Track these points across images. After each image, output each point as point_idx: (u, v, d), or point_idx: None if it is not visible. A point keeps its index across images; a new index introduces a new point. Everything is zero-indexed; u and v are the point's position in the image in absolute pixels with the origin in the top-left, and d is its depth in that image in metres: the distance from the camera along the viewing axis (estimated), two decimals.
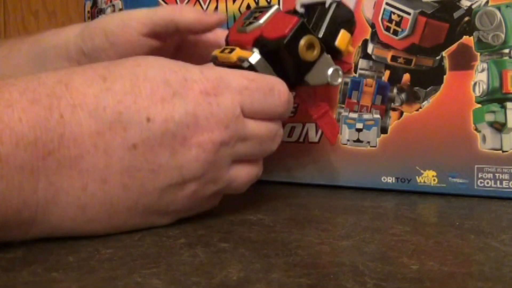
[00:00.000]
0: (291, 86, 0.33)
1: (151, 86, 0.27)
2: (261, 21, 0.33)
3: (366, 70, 0.40)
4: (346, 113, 0.41)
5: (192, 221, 0.31)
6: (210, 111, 0.28)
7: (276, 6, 0.34)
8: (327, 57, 0.34)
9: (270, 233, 0.28)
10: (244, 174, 0.31)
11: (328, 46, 0.35)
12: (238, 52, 0.33)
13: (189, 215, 0.30)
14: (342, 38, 0.36)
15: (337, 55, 0.36)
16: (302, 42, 0.33)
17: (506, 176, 0.36)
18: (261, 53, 0.33)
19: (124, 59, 0.29)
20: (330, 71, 0.34)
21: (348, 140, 0.41)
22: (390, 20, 0.39)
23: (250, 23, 0.34)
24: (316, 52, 0.33)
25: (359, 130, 0.40)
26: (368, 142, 0.40)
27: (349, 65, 0.39)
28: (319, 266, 0.23)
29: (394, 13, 0.39)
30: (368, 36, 0.40)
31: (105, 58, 0.37)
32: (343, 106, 0.41)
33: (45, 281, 0.21)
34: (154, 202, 0.28)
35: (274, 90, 0.31)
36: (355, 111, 0.41)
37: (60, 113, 0.25)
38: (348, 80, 0.40)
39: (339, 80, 0.35)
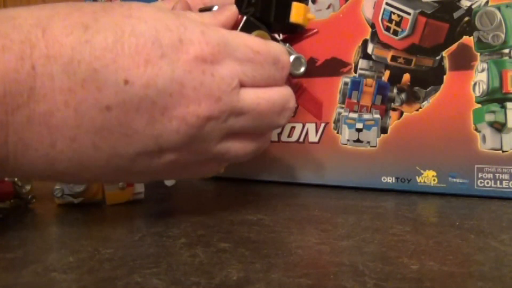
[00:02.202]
0: None
1: (137, 43, 0.25)
2: None
3: (366, 70, 0.40)
4: (346, 113, 0.41)
5: (192, 221, 0.31)
6: (201, 81, 0.26)
7: (216, 7, 0.32)
8: (286, 47, 0.32)
9: (270, 233, 0.28)
10: (238, 148, 0.29)
11: (284, 24, 0.33)
12: None
13: (178, 178, 0.29)
14: (296, 12, 0.33)
15: (297, 29, 0.34)
16: None
17: (506, 176, 0.36)
18: None
19: (118, 4, 0.26)
20: (291, 59, 0.32)
21: (348, 140, 0.41)
22: (390, 20, 0.39)
23: None
24: None
25: (359, 130, 0.40)
26: (368, 142, 0.40)
27: (315, 31, 0.36)
28: (319, 266, 0.23)
29: (394, 13, 0.39)
30: (368, 36, 0.40)
31: None
32: (343, 106, 0.41)
33: (45, 281, 0.21)
34: (127, 165, 0.26)
35: (279, 63, 0.29)
36: (355, 111, 0.41)
37: (32, 64, 0.23)
38: (348, 80, 0.40)
39: (302, 69, 0.32)
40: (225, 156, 0.29)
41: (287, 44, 0.33)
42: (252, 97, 0.28)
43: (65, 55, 0.24)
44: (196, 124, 0.26)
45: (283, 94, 0.29)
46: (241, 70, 0.27)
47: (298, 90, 0.35)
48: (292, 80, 0.35)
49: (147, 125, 0.25)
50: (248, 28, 0.31)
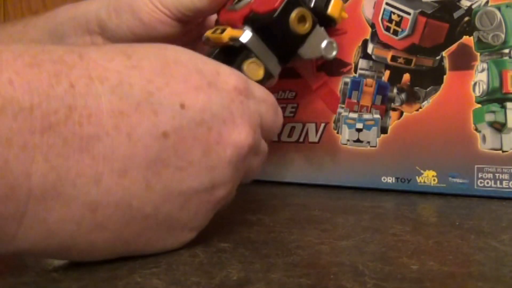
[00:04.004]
0: (285, 61, 0.33)
1: (184, 71, 0.23)
2: None
3: (366, 70, 0.40)
4: (346, 113, 0.41)
5: None
6: (243, 111, 0.25)
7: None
8: (320, 30, 0.34)
9: (270, 233, 0.28)
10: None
11: (321, 15, 0.34)
12: (229, 32, 0.32)
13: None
14: (334, 6, 0.34)
15: (330, 23, 0.35)
16: (293, 14, 0.32)
17: (506, 176, 0.36)
18: (252, 30, 0.32)
19: (146, 43, 0.25)
20: (324, 44, 0.34)
21: (348, 140, 0.41)
22: (390, 20, 0.39)
23: (240, 0, 0.33)
24: (308, 25, 0.33)
25: (359, 130, 0.40)
26: (368, 142, 0.40)
27: (344, 32, 0.38)
28: (319, 266, 0.23)
29: (394, 13, 0.39)
30: (368, 36, 0.40)
31: (130, 35, 0.36)
32: (343, 106, 0.41)
33: (45, 281, 0.21)
34: (176, 212, 0.23)
35: (278, 110, 0.29)
36: (355, 111, 0.41)
37: (71, 82, 0.20)
38: (348, 80, 0.40)
39: (334, 53, 0.34)
40: (230, 196, 0.28)
41: (322, 28, 0.34)
42: (263, 141, 0.28)
43: (112, 78, 0.21)
44: (244, 153, 0.25)
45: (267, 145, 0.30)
46: (260, 108, 0.27)
47: (320, 81, 0.37)
48: (316, 73, 0.36)
49: (203, 155, 0.23)
50: (291, 4, 0.32)
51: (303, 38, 0.33)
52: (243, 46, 0.32)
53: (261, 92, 0.28)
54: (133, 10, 0.36)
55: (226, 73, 0.25)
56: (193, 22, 0.37)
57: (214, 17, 0.38)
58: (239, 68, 0.31)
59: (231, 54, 0.32)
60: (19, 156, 0.18)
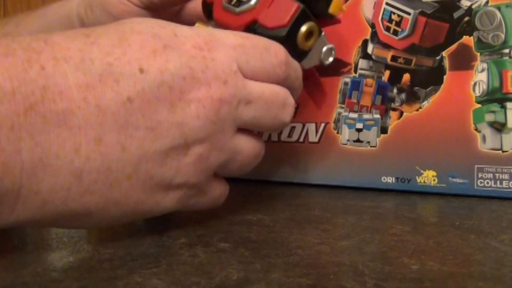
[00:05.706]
0: None
1: (141, 38, 0.25)
2: (252, 2, 0.31)
3: (366, 70, 0.40)
4: (346, 113, 0.41)
5: (192, 221, 0.31)
6: (205, 65, 0.26)
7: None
8: (322, 38, 0.33)
9: (270, 233, 0.28)
10: (250, 146, 0.29)
11: (323, 14, 0.33)
12: None
13: (196, 203, 0.28)
14: (335, 4, 0.34)
15: (329, 20, 0.34)
16: (303, 30, 0.31)
17: (506, 176, 0.36)
18: None
19: (108, 24, 0.27)
20: (324, 49, 0.33)
21: (348, 140, 0.41)
22: (390, 20, 0.39)
23: (240, 2, 0.31)
24: (313, 39, 0.32)
25: (359, 130, 0.40)
26: (368, 142, 0.40)
27: (338, 21, 0.36)
28: (319, 266, 0.23)
29: (394, 13, 0.39)
30: (368, 36, 0.40)
31: None
32: (343, 106, 0.41)
33: (45, 281, 0.21)
34: (156, 169, 0.25)
35: (270, 49, 0.29)
36: (355, 111, 0.41)
37: (41, 65, 0.22)
38: (348, 80, 0.40)
39: (331, 59, 0.34)
40: (238, 156, 0.29)
41: (323, 33, 0.33)
42: (256, 85, 0.28)
43: (75, 57, 0.23)
44: (212, 107, 0.26)
45: (282, 88, 0.30)
46: (235, 54, 0.28)
47: (307, 72, 0.35)
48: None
49: (169, 113, 0.25)
50: (300, 19, 0.31)
51: (307, 53, 0.32)
52: None
53: (235, 38, 0.28)
54: (103, 4, 0.37)
55: (183, 35, 0.27)
56: (164, 11, 0.37)
57: (192, 6, 0.38)
58: None
59: None
60: (9, 137, 0.21)
